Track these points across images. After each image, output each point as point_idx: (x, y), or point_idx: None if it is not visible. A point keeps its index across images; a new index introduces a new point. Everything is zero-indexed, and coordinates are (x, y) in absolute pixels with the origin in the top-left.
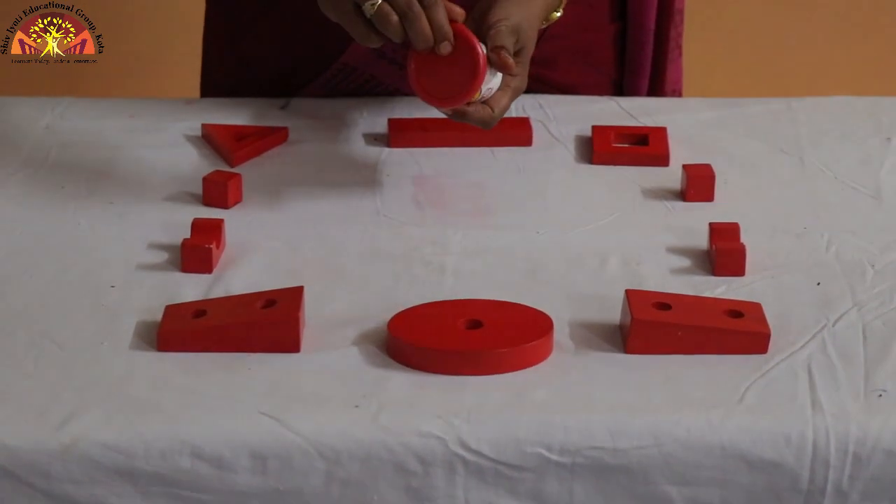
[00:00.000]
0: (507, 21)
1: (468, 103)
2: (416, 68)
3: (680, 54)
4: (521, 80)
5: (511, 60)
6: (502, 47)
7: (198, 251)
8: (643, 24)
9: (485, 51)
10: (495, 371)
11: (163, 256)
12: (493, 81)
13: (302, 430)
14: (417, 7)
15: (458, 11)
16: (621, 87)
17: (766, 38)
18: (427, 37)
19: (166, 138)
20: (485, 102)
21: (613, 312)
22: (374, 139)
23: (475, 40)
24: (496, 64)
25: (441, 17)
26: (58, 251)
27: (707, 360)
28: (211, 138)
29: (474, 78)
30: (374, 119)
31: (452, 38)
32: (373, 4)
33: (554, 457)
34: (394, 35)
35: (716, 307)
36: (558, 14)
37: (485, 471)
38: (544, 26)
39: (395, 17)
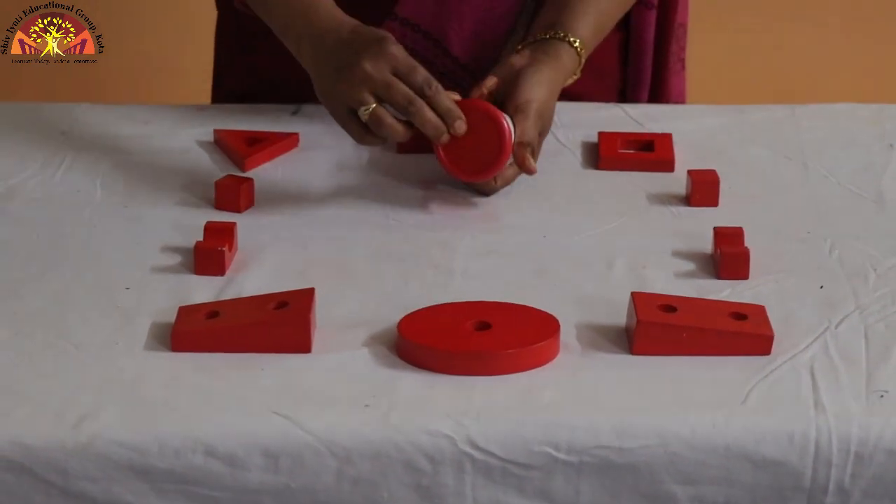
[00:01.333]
0: (534, 104)
1: None
2: (444, 153)
3: (683, 67)
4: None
5: (533, 164)
6: (528, 145)
7: (211, 254)
8: (643, 37)
9: (510, 124)
10: (503, 371)
11: (176, 259)
12: None
13: (313, 428)
14: (419, 101)
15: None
16: (625, 97)
17: (770, 45)
18: (437, 125)
19: (179, 144)
20: None
21: (619, 315)
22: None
23: (500, 116)
24: (518, 159)
25: (445, 101)
26: (73, 254)
27: (711, 362)
28: (223, 144)
29: (502, 152)
30: None
31: (463, 116)
32: (366, 109)
33: (561, 456)
34: (393, 136)
35: (720, 310)
36: (576, 77)
37: (493, 469)
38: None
39: (389, 120)
